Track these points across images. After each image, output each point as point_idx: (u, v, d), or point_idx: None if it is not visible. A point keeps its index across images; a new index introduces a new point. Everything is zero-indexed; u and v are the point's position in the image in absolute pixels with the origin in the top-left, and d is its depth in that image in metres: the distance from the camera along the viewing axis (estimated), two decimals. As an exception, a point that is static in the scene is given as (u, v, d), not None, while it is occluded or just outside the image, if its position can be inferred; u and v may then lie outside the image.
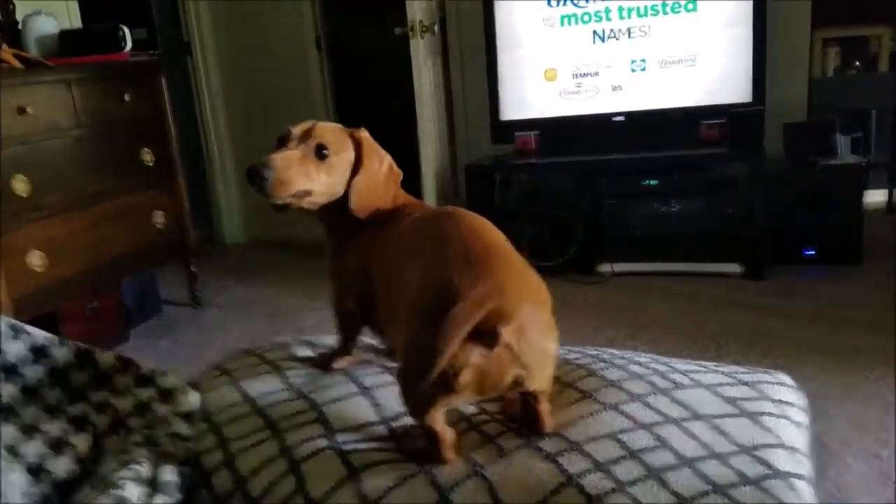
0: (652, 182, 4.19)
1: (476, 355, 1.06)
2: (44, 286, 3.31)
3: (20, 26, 3.83)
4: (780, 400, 1.29)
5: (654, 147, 4.28)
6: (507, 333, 1.07)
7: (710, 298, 3.78)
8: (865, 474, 2.18)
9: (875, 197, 4.63)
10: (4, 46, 3.45)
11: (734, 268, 4.05)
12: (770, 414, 1.23)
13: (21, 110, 3.21)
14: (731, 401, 1.26)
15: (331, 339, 1.77)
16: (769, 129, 4.08)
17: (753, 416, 1.21)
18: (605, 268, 4.29)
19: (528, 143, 4.60)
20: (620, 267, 4.27)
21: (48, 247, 3.33)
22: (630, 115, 4.38)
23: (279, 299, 4.44)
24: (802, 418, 1.28)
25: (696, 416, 1.20)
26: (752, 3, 4.05)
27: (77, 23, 4.48)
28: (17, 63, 3.40)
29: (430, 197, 4.57)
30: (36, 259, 3.26)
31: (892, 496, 2.08)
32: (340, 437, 1.29)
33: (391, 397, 1.40)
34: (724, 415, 1.21)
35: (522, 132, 4.61)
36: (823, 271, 3.99)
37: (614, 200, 4.26)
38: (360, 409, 1.38)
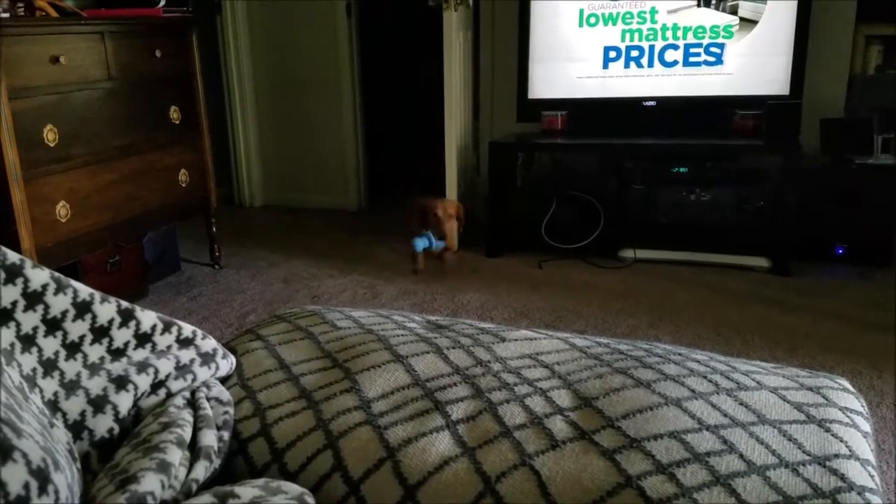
0: (682, 169, 4.14)
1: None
2: (67, 237, 3.29)
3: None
4: (846, 407, 1.25)
5: (686, 134, 4.22)
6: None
7: (736, 291, 3.74)
8: (897, 482, 2.15)
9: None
10: (40, -7, 3.41)
11: (761, 262, 4.01)
12: (839, 422, 1.19)
13: (54, 59, 3.17)
14: (798, 406, 1.21)
15: (358, 311, 1.74)
16: (805, 124, 4.02)
17: (822, 424, 1.17)
18: (628, 253, 4.25)
19: (555, 122, 4.55)
20: (644, 253, 4.23)
21: (73, 198, 3.31)
22: (661, 101, 4.32)
23: (295, 263, 4.41)
24: (868, 427, 1.24)
25: (763, 421, 1.16)
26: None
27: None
28: (52, 12, 3.36)
29: (451, 171, 4.52)
30: (61, 209, 3.23)
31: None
32: (376, 408, 1.26)
33: (428, 365, 1.38)
34: (791, 420, 1.17)
35: (550, 111, 4.55)
36: (851, 271, 3.94)
37: (641, 186, 4.20)
38: (396, 377, 1.35)
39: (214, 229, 4.33)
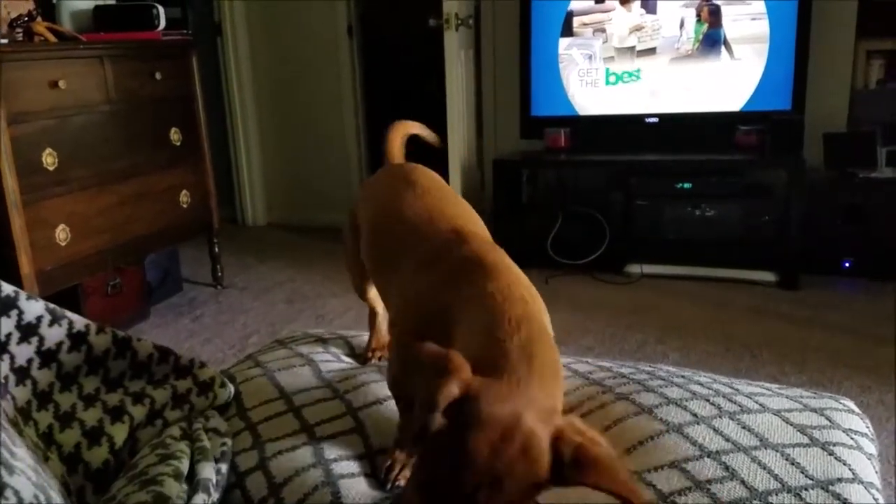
0: (686, 185, 4.12)
1: None
2: (67, 261, 3.28)
3: (55, 0, 3.79)
4: (850, 429, 1.23)
5: (690, 150, 4.22)
6: None
7: (743, 306, 3.71)
8: (907, 499, 2.12)
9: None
10: (39, 19, 3.41)
11: (768, 276, 3.98)
12: (843, 445, 1.17)
13: (53, 84, 3.18)
14: (801, 429, 1.19)
15: (360, 335, 1.73)
16: (808, 138, 4.01)
17: (826, 447, 1.15)
18: (635, 269, 4.23)
19: (558, 139, 4.53)
20: (650, 269, 4.21)
21: (73, 221, 3.30)
22: (664, 117, 4.32)
23: (299, 282, 4.40)
24: (873, 449, 1.22)
25: (766, 445, 1.14)
26: (796, 10, 3.99)
27: (111, -1, 4.44)
28: (51, 37, 3.36)
29: (455, 189, 4.50)
30: (61, 233, 3.22)
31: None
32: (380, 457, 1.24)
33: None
34: (795, 444, 1.15)
35: (553, 128, 4.54)
36: (859, 284, 3.92)
37: (646, 201, 4.19)
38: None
39: (217, 249, 4.32)
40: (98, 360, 1.29)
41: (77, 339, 1.26)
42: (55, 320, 1.24)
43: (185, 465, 1.17)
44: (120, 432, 1.23)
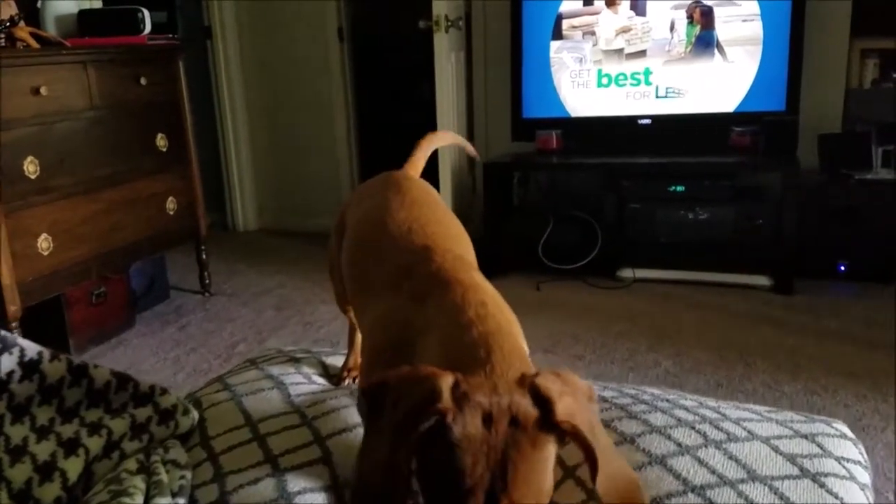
0: (679, 188, 4.06)
1: None
2: (50, 271, 3.22)
3: (39, 4, 3.73)
4: (842, 457, 1.16)
5: (683, 152, 4.16)
6: None
7: (737, 311, 3.66)
8: (905, 516, 2.07)
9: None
10: (21, 24, 3.35)
11: (762, 280, 3.93)
12: (835, 475, 1.10)
13: (35, 91, 3.11)
14: (791, 458, 1.13)
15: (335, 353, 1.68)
16: (803, 140, 3.95)
17: (817, 478, 1.09)
18: (627, 273, 4.17)
19: (549, 142, 4.48)
20: (643, 273, 4.15)
21: (56, 230, 3.24)
22: (657, 119, 4.26)
23: (288, 288, 4.35)
24: (867, 479, 1.15)
25: (754, 477, 1.07)
26: (790, 10, 3.93)
27: (97, 3, 4.38)
28: (33, 42, 3.30)
29: (446, 192, 4.46)
30: (43, 242, 3.16)
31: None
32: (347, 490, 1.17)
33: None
34: (784, 476, 1.08)
35: (544, 130, 4.48)
36: (854, 288, 3.86)
37: (638, 205, 4.13)
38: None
39: (204, 256, 4.27)
40: (52, 389, 1.22)
41: (29, 367, 1.20)
42: (5, 348, 1.18)
43: (138, 502, 1.10)
44: (74, 466, 1.17)
